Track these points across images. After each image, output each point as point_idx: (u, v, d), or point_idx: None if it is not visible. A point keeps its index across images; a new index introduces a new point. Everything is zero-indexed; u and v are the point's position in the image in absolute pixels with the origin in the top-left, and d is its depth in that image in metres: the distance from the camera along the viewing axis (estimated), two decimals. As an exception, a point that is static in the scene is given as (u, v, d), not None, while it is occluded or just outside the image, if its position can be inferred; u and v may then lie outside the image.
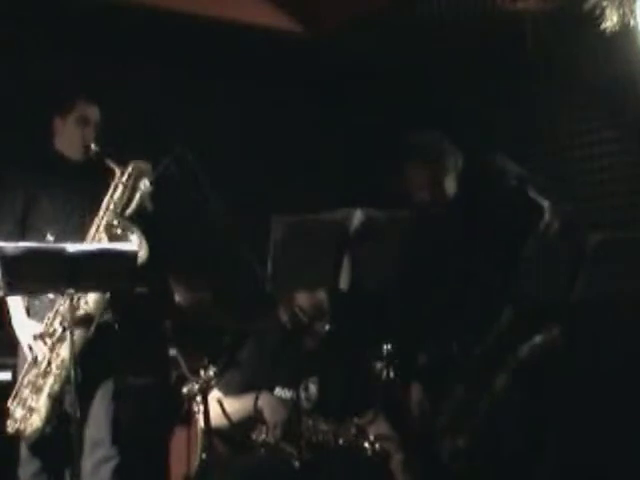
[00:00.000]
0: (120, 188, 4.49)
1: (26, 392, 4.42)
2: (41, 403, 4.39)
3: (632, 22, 4.59)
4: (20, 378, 4.46)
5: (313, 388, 4.60)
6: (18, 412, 4.41)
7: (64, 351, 4.29)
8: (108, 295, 4.45)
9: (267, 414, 4.42)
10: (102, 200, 4.50)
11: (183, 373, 4.61)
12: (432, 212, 4.66)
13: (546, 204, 4.44)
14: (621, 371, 5.01)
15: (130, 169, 4.48)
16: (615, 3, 4.56)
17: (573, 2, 4.81)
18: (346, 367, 4.66)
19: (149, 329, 5.10)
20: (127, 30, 5.53)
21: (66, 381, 4.26)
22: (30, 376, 4.44)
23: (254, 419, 4.46)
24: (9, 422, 4.43)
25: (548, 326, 4.39)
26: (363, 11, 5.77)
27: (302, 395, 4.49)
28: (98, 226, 4.48)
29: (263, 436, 4.40)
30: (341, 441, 4.41)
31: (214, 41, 5.78)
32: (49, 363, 4.41)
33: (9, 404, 4.44)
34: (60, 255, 3.97)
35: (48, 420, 4.37)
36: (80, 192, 4.60)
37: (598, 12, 4.62)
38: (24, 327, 4.50)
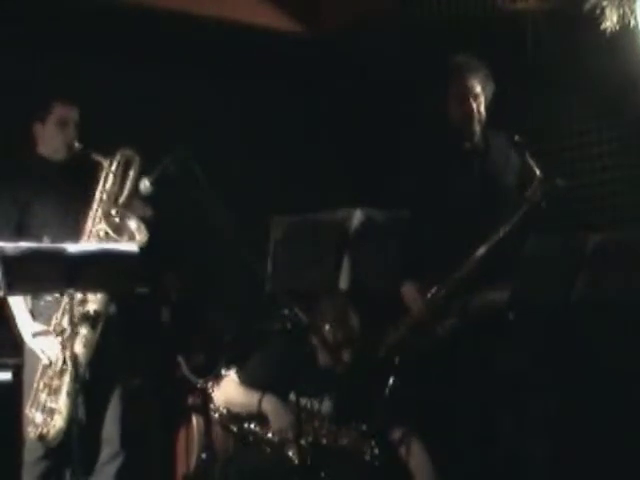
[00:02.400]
0: (111, 177, 4.56)
1: (43, 396, 4.42)
2: (61, 403, 4.39)
3: (632, 22, 4.60)
4: (35, 383, 4.44)
5: (328, 404, 4.58)
6: (38, 417, 4.40)
7: (77, 347, 4.29)
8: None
9: (271, 419, 4.42)
10: (94, 194, 4.54)
11: (184, 373, 4.63)
12: (464, 131, 4.70)
13: (538, 172, 4.48)
14: (621, 371, 5.01)
15: (118, 157, 4.56)
16: (615, 3, 4.57)
17: (573, 2, 4.81)
18: (364, 388, 4.65)
19: (150, 328, 5.11)
20: (126, 30, 5.53)
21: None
22: (45, 379, 4.43)
23: (258, 416, 4.46)
24: (30, 429, 4.41)
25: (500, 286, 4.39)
26: (363, 11, 5.77)
27: (316, 406, 4.49)
28: (94, 218, 4.51)
29: (269, 435, 4.41)
30: (343, 444, 4.42)
31: (214, 41, 5.78)
32: (64, 362, 4.40)
33: (27, 411, 4.42)
34: (60, 255, 3.97)
35: (70, 419, 4.35)
36: (70, 193, 4.65)
37: (598, 12, 4.62)
38: (31, 331, 4.50)
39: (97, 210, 4.52)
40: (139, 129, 5.57)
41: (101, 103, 5.41)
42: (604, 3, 4.60)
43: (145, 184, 4.36)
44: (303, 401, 4.44)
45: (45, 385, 4.42)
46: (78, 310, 4.21)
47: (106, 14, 5.38)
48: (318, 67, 6.15)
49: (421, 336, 4.58)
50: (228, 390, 4.54)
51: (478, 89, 4.69)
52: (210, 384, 4.61)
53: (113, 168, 4.55)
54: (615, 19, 4.59)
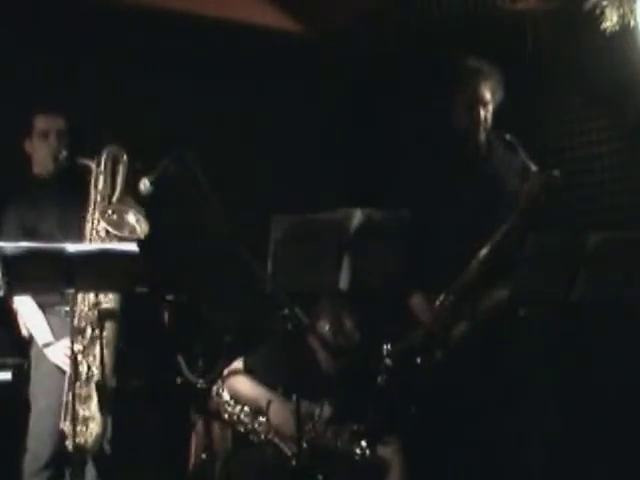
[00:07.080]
0: (101, 177, 4.56)
1: (76, 406, 4.37)
2: (94, 409, 4.41)
3: (632, 22, 4.60)
4: (65, 397, 4.42)
5: (328, 410, 4.58)
6: (75, 428, 4.38)
7: (99, 350, 4.33)
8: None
9: (275, 422, 4.41)
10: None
11: (184, 374, 4.62)
12: (468, 136, 4.66)
13: (533, 167, 4.47)
14: (620, 371, 5.01)
15: (104, 155, 4.57)
16: (615, 3, 4.57)
17: (573, 2, 4.81)
18: (361, 392, 4.65)
19: (149, 329, 5.11)
20: (126, 30, 5.53)
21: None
22: (74, 389, 4.40)
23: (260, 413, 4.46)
24: (68, 442, 4.38)
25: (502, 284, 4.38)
26: (363, 11, 5.76)
27: (317, 411, 4.50)
28: (92, 221, 4.52)
29: (270, 435, 4.41)
30: (339, 445, 4.42)
31: (214, 41, 5.78)
32: (89, 367, 4.43)
33: (62, 426, 4.41)
34: (60, 255, 3.97)
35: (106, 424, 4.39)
36: (71, 205, 4.65)
37: (598, 12, 4.63)
38: (54, 349, 4.51)
39: (94, 212, 4.52)
40: (139, 129, 5.57)
41: (100, 103, 5.42)
42: (604, 3, 4.61)
43: (145, 184, 4.36)
44: (305, 404, 4.43)
45: (75, 395, 4.38)
46: (94, 311, 4.22)
47: (104, 14, 5.38)
48: (318, 67, 6.16)
49: (434, 345, 4.56)
50: (236, 384, 4.53)
51: (488, 97, 4.60)
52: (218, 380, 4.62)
53: (101, 168, 4.55)
54: (615, 19, 4.59)
